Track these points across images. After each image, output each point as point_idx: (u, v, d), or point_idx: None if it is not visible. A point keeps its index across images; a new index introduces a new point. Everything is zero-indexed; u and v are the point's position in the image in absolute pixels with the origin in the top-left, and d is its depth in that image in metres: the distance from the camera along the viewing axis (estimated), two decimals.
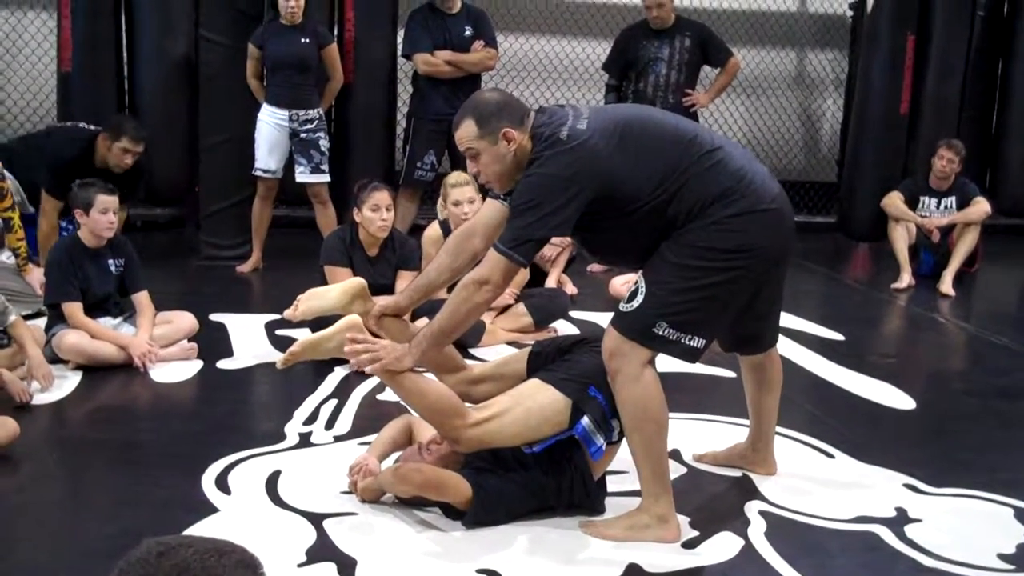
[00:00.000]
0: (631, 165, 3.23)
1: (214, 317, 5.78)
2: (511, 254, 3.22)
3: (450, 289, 3.48)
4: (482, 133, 3.29)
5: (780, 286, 3.61)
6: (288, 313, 3.70)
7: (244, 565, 1.48)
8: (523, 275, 5.71)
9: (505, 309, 5.68)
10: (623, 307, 3.34)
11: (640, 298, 3.29)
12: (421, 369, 3.47)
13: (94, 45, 7.43)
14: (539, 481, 3.42)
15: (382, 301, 3.65)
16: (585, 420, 3.34)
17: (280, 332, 5.54)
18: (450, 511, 3.38)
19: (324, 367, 5.00)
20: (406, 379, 3.38)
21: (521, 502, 3.42)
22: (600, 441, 3.36)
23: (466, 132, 3.32)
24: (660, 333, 3.26)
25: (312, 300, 3.70)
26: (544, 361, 3.54)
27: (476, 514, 3.35)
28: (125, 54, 7.63)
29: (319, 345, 3.53)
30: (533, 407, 3.37)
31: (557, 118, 3.30)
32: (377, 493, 3.50)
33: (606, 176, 3.21)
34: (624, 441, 3.42)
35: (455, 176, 5.65)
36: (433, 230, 5.77)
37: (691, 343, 3.29)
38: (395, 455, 3.69)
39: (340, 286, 3.74)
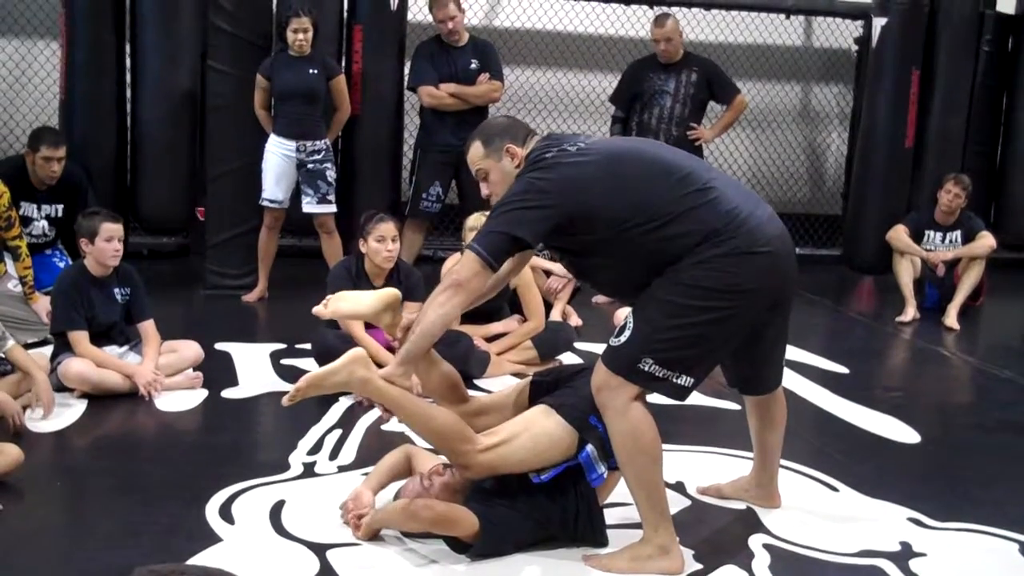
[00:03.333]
0: (612, 192, 3.25)
1: (219, 346, 5.79)
2: (475, 247, 3.27)
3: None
4: (487, 152, 3.44)
5: (783, 329, 3.60)
6: (317, 309, 3.69)
7: None
8: (536, 323, 5.73)
9: (513, 347, 5.69)
10: (612, 342, 3.34)
11: (628, 333, 3.29)
12: (428, 399, 3.48)
13: (95, 74, 7.48)
14: (545, 510, 3.42)
15: (409, 314, 3.65)
16: (589, 447, 3.35)
17: (285, 362, 5.55)
18: (455, 544, 3.37)
19: (329, 397, 4.99)
20: (413, 406, 3.41)
21: (527, 533, 3.42)
22: (602, 469, 3.37)
23: (474, 154, 3.48)
24: (646, 369, 3.26)
25: (344, 302, 3.69)
26: (546, 390, 3.57)
27: (482, 547, 3.34)
28: (128, 83, 7.69)
29: (324, 380, 3.48)
30: (540, 433, 3.38)
31: (553, 142, 3.38)
32: (376, 531, 3.48)
33: (583, 197, 3.24)
34: None
35: (473, 219, 5.66)
36: (454, 261, 5.77)
37: (679, 381, 3.28)
38: (393, 485, 3.68)
39: (375, 294, 3.73)
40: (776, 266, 3.32)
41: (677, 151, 3.58)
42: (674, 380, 3.28)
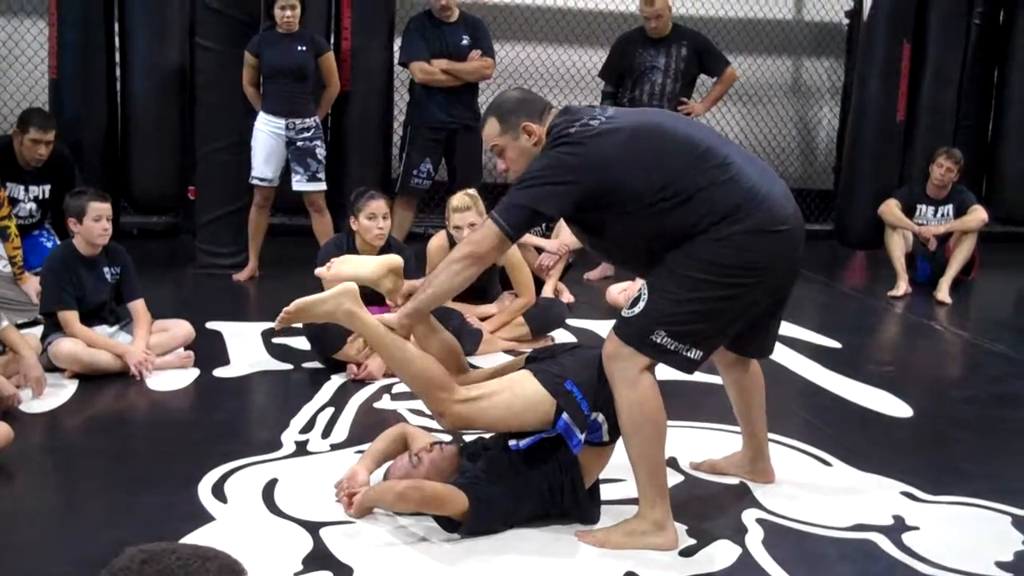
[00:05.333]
0: (636, 168, 3.24)
1: (210, 325, 5.77)
2: (497, 218, 3.27)
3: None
4: (504, 129, 3.40)
5: (784, 300, 3.60)
6: (320, 271, 3.68)
7: (228, 570, 1.48)
8: (527, 299, 5.73)
9: (505, 324, 5.69)
10: (625, 313, 3.35)
11: (641, 305, 3.29)
12: None
13: (84, 52, 7.41)
14: (532, 486, 3.41)
15: (411, 282, 3.66)
16: (565, 415, 3.34)
17: (277, 340, 5.53)
18: (445, 522, 3.36)
19: (321, 376, 5.00)
20: (394, 346, 3.40)
21: (516, 510, 3.42)
22: (580, 435, 3.34)
23: (490, 130, 3.44)
24: (658, 341, 3.26)
25: (346, 265, 3.68)
26: (537, 363, 3.56)
27: (472, 524, 3.34)
28: (118, 61, 7.64)
29: (313, 308, 3.48)
30: (519, 394, 3.38)
31: (575, 117, 3.35)
32: (368, 509, 3.48)
33: (605, 173, 3.23)
34: (617, 448, 3.43)
35: (457, 199, 5.62)
36: (439, 240, 5.76)
37: (689, 354, 3.29)
38: (387, 465, 3.68)
39: (378, 259, 3.72)
40: (791, 244, 3.34)
41: (695, 124, 3.60)
42: (684, 353, 3.28)
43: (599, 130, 3.29)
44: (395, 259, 3.69)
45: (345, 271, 3.64)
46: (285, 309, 3.48)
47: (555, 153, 3.28)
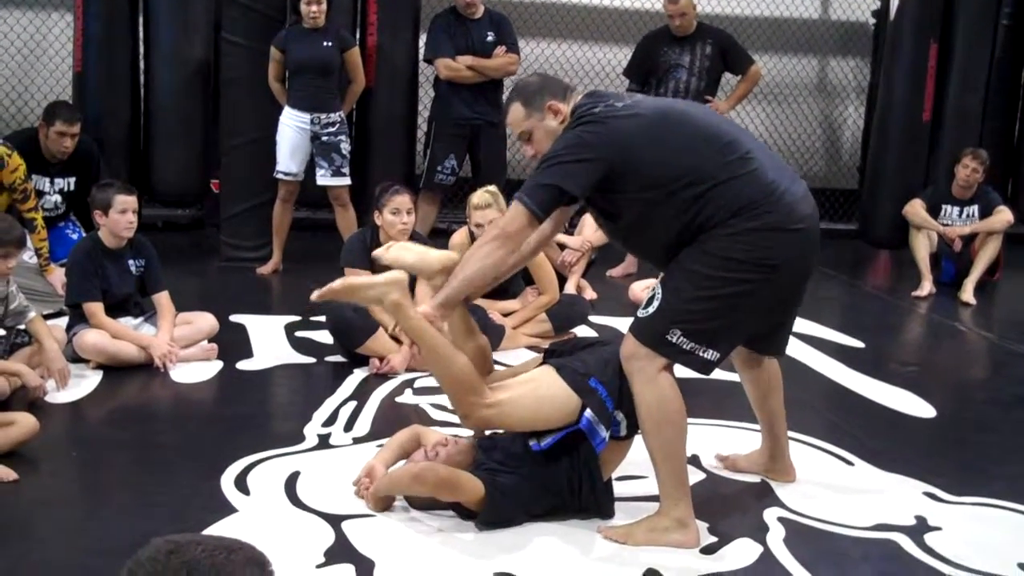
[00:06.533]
0: (656, 151, 3.23)
1: (234, 318, 5.79)
2: (524, 198, 3.24)
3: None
4: (529, 112, 3.40)
5: (799, 298, 3.57)
6: (378, 252, 3.60)
7: (253, 562, 1.49)
8: (551, 296, 5.72)
9: (528, 320, 5.69)
10: (640, 313, 3.34)
11: (656, 304, 3.29)
12: None
13: (109, 46, 7.44)
14: (549, 476, 3.41)
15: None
16: (588, 412, 3.33)
17: (300, 334, 5.56)
18: (463, 512, 3.37)
19: (343, 369, 5.02)
20: (435, 342, 3.36)
21: (534, 500, 3.42)
22: (604, 433, 3.34)
23: (515, 115, 3.43)
24: (674, 341, 3.25)
25: (408, 253, 3.59)
26: (557, 358, 3.54)
27: (489, 514, 3.35)
28: (142, 55, 7.67)
29: (359, 291, 3.43)
30: (545, 395, 3.37)
31: (600, 98, 3.35)
32: (388, 502, 3.49)
33: (627, 153, 3.22)
34: (638, 444, 3.42)
35: (479, 197, 5.59)
36: (461, 235, 5.76)
37: (705, 355, 3.27)
38: (402, 463, 3.68)
39: (441, 254, 3.61)
40: (805, 244, 3.32)
41: (720, 116, 3.58)
42: (700, 353, 3.26)
43: (623, 112, 3.28)
44: (454, 257, 3.59)
45: (407, 259, 3.55)
46: (330, 285, 3.40)
47: (577, 132, 3.27)
